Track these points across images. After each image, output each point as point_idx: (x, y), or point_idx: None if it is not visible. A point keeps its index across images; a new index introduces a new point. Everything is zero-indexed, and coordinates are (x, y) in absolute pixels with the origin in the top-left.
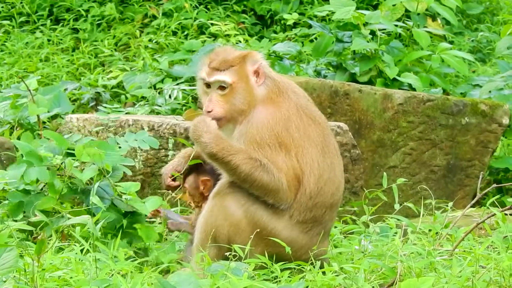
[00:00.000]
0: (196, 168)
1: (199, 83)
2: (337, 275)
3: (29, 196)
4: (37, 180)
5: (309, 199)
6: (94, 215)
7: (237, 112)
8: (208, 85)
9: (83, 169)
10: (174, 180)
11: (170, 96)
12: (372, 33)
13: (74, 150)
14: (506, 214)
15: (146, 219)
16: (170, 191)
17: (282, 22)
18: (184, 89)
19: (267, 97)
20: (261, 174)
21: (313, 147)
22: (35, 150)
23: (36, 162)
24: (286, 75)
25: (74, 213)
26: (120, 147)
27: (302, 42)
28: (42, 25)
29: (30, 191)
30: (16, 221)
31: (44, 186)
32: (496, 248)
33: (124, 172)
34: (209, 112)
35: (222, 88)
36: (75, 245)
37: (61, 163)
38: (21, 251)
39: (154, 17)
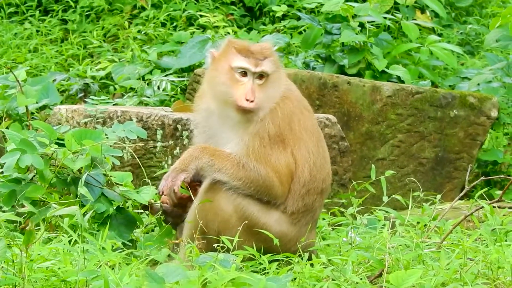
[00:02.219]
0: None
1: (228, 70)
2: (325, 267)
3: (21, 185)
4: (28, 169)
5: (302, 187)
6: (83, 206)
7: (268, 103)
8: (244, 73)
9: (72, 157)
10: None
11: (158, 88)
12: (361, 25)
13: (63, 140)
14: (494, 207)
15: (137, 210)
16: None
17: (271, 14)
18: (173, 81)
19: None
20: (247, 173)
21: (310, 137)
22: (27, 139)
23: (29, 150)
24: None
25: (62, 203)
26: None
27: (291, 34)
28: (31, 15)
29: (21, 179)
30: (4, 211)
31: (35, 175)
32: (484, 240)
33: (113, 163)
34: (251, 101)
35: (260, 77)
36: (63, 236)
37: (53, 152)
38: (9, 241)
39: (143, 8)
